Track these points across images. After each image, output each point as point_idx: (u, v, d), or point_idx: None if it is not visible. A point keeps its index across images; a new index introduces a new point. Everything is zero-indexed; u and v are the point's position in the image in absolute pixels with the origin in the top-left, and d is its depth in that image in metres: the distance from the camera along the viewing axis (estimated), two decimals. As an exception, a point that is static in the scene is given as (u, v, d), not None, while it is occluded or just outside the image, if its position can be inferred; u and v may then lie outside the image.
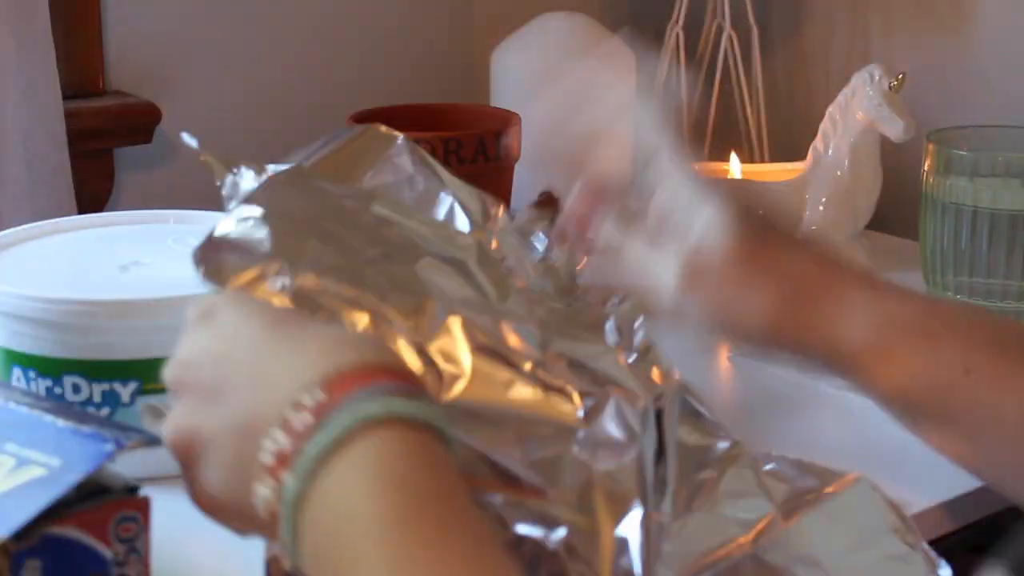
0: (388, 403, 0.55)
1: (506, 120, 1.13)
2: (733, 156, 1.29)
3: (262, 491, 0.57)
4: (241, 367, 0.60)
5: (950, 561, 0.69)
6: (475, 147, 1.08)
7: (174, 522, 0.80)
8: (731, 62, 1.37)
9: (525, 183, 1.13)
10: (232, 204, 0.71)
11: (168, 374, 0.64)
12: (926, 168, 1.07)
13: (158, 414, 0.84)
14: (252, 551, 0.78)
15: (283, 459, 0.56)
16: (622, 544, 0.61)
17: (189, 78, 1.27)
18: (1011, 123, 1.16)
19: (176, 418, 0.63)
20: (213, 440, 0.61)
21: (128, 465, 0.84)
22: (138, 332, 0.83)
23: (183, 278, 0.88)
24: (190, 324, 0.64)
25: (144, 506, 0.68)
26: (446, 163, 1.08)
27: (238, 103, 1.30)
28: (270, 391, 0.58)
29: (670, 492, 0.63)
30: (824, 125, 1.23)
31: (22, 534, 0.63)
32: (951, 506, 0.87)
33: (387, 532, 0.53)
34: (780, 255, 0.75)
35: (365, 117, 1.12)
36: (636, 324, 0.68)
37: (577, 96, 0.78)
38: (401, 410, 0.55)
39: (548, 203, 0.77)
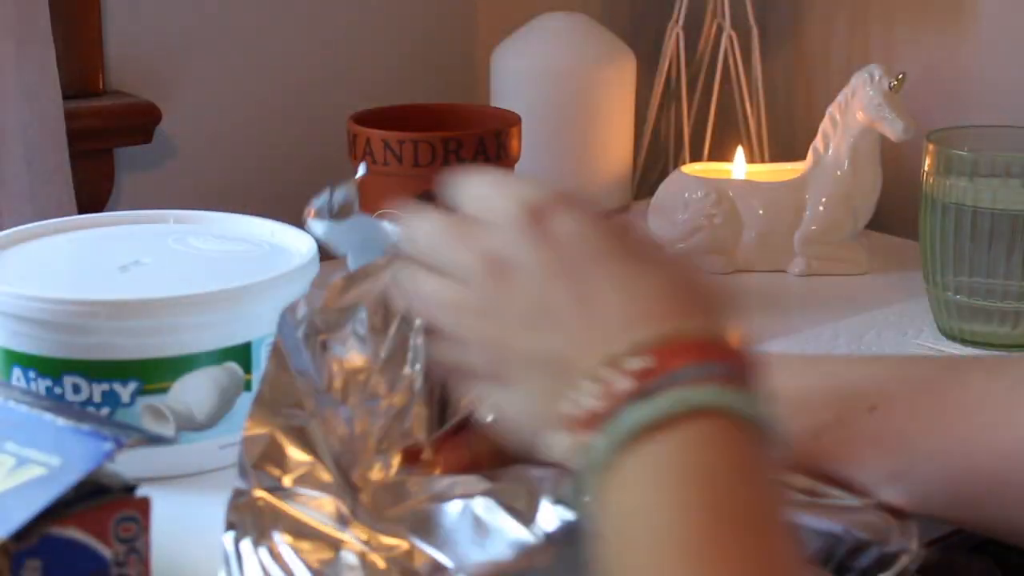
0: (720, 393, 0.52)
1: (506, 120, 1.13)
2: (739, 151, 1.29)
3: (560, 441, 0.53)
4: (569, 293, 0.55)
5: (950, 561, 0.69)
6: (475, 147, 1.08)
7: (174, 522, 0.80)
8: (731, 62, 1.37)
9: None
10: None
11: (488, 266, 0.58)
12: (926, 168, 1.06)
13: (158, 414, 0.84)
14: (252, 551, 0.78)
15: (593, 419, 0.52)
16: None
17: (189, 78, 1.27)
18: (1011, 123, 1.16)
19: (486, 328, 0.58)
20: (519, 363, 0.57)
21: (128, 465, 0.84)
22: (138, 332, 0.83)
23: (183, 278, 0.88)
24: (518, 222, 0.58)
25: (144, 506, 0.68)
26: (446, 163, 1.08)
27: (238, 103, 1.30)
28: (594, 332, 0.54)
29: None
30: (824, 125, 1.23)
31: (22, 534, 0.63)
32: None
33: (688, 534, 0.49)
34: None
35: (366, 117, 1.12)
36: None
37: None
38: (732, 404, 0.52)
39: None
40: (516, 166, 1.12)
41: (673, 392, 0.51)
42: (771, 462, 0.52)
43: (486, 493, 0.62)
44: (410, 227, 0.62)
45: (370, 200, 1.10)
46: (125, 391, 0.83)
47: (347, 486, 0.67)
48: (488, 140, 1.08)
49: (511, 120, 1.12)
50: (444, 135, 1.07)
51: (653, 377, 0.51)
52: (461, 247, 0.59)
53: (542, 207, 0.58)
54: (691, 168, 1.25)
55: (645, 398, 0.51)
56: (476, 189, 0.61)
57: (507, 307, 0.57)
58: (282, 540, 0.66)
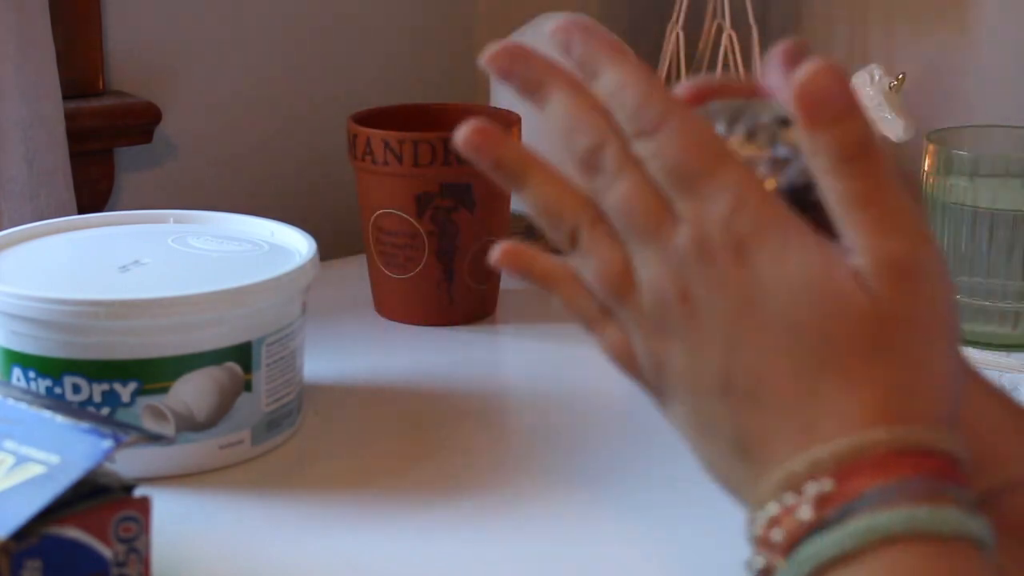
0: (910, 516, 0.45)
1: (506, 120, 1.12)
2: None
3: (755, 558, 0.48)
4: (776, 380, 0.47)
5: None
6: None
7: (174, 522, 0.80)
8: (731, 62, 1.37)
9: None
10: None
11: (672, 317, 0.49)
12: (926, 168, 1.06)
13: (158, 414, 0.84)
14: (252, 551, 0.78)
15: (776, 546, 0.46)
16: None
17: (189, 78, 1.27)
18: (1011, 123, 1.16)
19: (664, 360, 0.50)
20: (712, 448, 0.50)
21: (128, 465, 0.84)
22: (138, 332, 0.83)
23: (183, 278, 0.88)
24: (890, 262, 0.48)
25: (144, 506, 0.68)
26: (446, 163, 1.08)
27: (238, 103, 1.30)
28: (785, 435, 0.47)
29: None
30: (824, 125, 1.22)
31: (22, 534, 0.63)
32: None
33: None
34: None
35: (366, 117, 1.12)
36: None
37: None
38: (926, 525, 0.45)
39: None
40: None
41: (855, 521, 0.45)
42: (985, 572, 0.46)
43: None
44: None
45: (369, 200, 1.11)
46: (125, 391, 0.83)
47: None
48: None
49: (511, 120, 1.12)
50: (444, 135, 1.07)
51: (832, 505, 0.45)
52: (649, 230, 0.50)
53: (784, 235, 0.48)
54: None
55: (825, 530, 0.45)
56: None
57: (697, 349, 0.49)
58: None
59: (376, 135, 1.08)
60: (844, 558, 0.45)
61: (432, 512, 0.83)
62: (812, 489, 0.45)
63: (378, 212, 1.10)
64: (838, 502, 0.45)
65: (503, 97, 1.29)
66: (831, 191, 0.49)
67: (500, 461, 0.89)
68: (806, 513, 0.45)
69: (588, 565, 0.78)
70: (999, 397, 0.56)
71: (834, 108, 0.48)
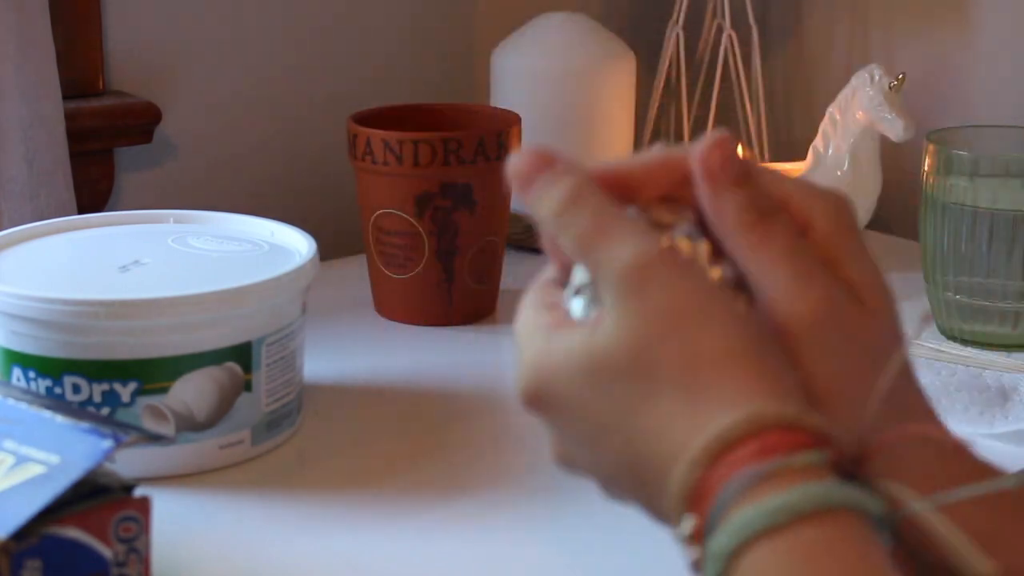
0: (764, 509, 0.46)
1: (506, 120, 1.12)
2: (738, 151, 1.29)
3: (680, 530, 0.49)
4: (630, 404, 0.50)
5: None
6: (475, 147, 1.08)
7: (174, 522, 0.80)
8: (731, 62, 1.37)
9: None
10: None
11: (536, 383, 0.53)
12: (926, 168, 1.06)
13: (158, 414, 0.84)
14: (252, 551, 0.78)
15: (696, 536, 0.48)
16: None
17: (189, 78, 1.27)
18: (1011, 123, 1.16)
19: (556, 446, 0.55)
20: (603, 475, 0.53)
21: (128, 465, 0.84)
22: (138, 332, 0.83)
23: (183, 278, 0.88)
24: (617, 277, 0.51)
25: (144, 506, 0.68)
26: (446, 163, 1.07)
27: (238, 103, 1.30)
28: (658, 443, 0.49)
29: None
30: (824, 125, 1.23)
31: (22, 534, 0.63)
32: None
33: None
34: None
35: (366, 117, 1.12)
36: None
37: None
38: (779, 516, 0.46)
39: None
40: None
41: (723, 530, 0.46)
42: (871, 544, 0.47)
43: None
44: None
45: (369, 200, 1.10)
46: (125, 391, 0.83)
47: None
48: (488, 140, 1.08)
49: (511, 120, 1.12)
50: (444, 135, 1.07)
51: (707, 503, 0.47)
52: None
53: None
54: (691, 168, 1.25)
55: (710, 534, 0.47)
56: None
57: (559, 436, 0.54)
58: None
59: (376, 135, 1.08)
60: (733, 556, 0.46)
61: (432, 512, 0.83)
62: (687, 525, 0.48)
63: (378, 212, 1.10)
64: (709, 502, 0.47)
65: (503, 97, 1.29)
66: None
67: (500, 461, 0.89)
68: (694, 522, 0.48)
69: (588, 565, 0.78)
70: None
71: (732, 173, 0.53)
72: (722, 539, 0.46)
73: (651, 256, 0.50)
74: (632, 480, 0.51)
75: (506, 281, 1.13)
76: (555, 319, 0.53)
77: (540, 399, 0.53)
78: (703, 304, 0.50)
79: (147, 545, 0.68)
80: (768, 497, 0.46)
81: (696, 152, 0.54)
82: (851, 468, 0.50)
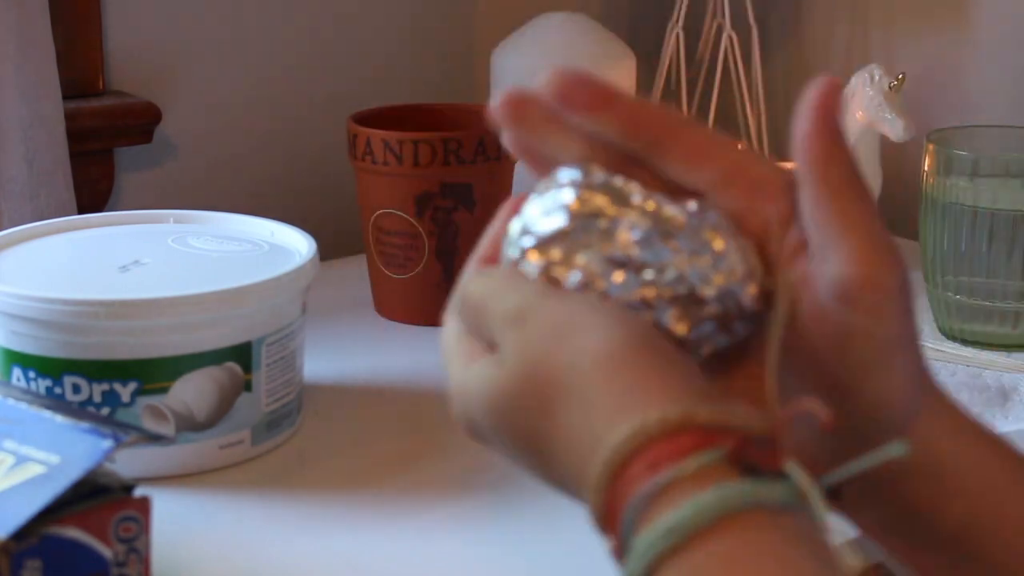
0: (661, 529, 0.43)
1: None
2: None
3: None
4: (547, 412, 0.48)
5: None
6: (475, 147, 1.08)
7: (174, 522, 0.80)
8: (731, 62, 1.37)
9: (526, 183, 1.13)
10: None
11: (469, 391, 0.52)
12: (926, 168, 1.06)
13: (158, 414, 0.84)
14: (252, 551, 0.78)
15: (616, 554, 0.46)
16: None
17: (189, 78, 1.27)
18: (1011, 123, 1.16)
19: (492, 447, 0.54)
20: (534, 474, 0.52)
21: (128, 465, 0.84)
22: (138, 332, 0.83)
23: (183, 278, 0.88)
24: (499, 321, 0.51)
25: (144, 506, 0.68)
26: (446, 163, 1.07)
27: (238, 103, 1.30)
28: (568, 466, 0.48)
29: None
30: (824, 125, 1.23)
31: (22, 534, 0.63)
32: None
33: None
34: None
35: (366, 117, 1.12)
36: None
37: None
38: (675, 536, 0.43)
39: None
40: (516, 166, 1.12)
41: (639, 542, 0.44)
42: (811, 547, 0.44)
43: None
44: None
45: (369, 200, 1.10)
46: (125, 391, 0.83)
47: None
48: (489, 140, 1.08)
49: None
50: (444, 135, 1.07)
51: (616, 518, 0.45)
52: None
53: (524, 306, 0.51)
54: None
55: (626, 548, 0.45)
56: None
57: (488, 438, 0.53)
58: None
59: (376, 135, 1.08)
60: (655, 564, 0.44)
61: (432, 512, 0.83)
62: (597, 500, 0.46)
63: (378, 212, 1.10)
64: (617, 517, 0.45)
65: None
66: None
67: (500, 461, 0.89)
68: (610, 538, 0.46)
69: (588, 565, 0.78)
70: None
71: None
72: (632, 565, 0.44)
73: (525, 296, 0.50)
74: (569, 493, 0.50)
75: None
76: (469, 349, 0.53)
77: (469, 429, 0.53)
78: (571, 315, 0.49)
79: (147, 545, 0.68)
80: (665, 515, 0.43)
81: (813, 101, 0.55)
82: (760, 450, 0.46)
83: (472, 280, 0.54)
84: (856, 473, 0.50)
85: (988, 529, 0.53)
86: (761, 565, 0.42)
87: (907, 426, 0.52)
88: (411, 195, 1.08)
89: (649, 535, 0.43)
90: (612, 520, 0.45)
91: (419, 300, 1.10)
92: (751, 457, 0.45)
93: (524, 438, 0.50)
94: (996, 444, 0.55)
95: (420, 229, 1.09)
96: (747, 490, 0.43)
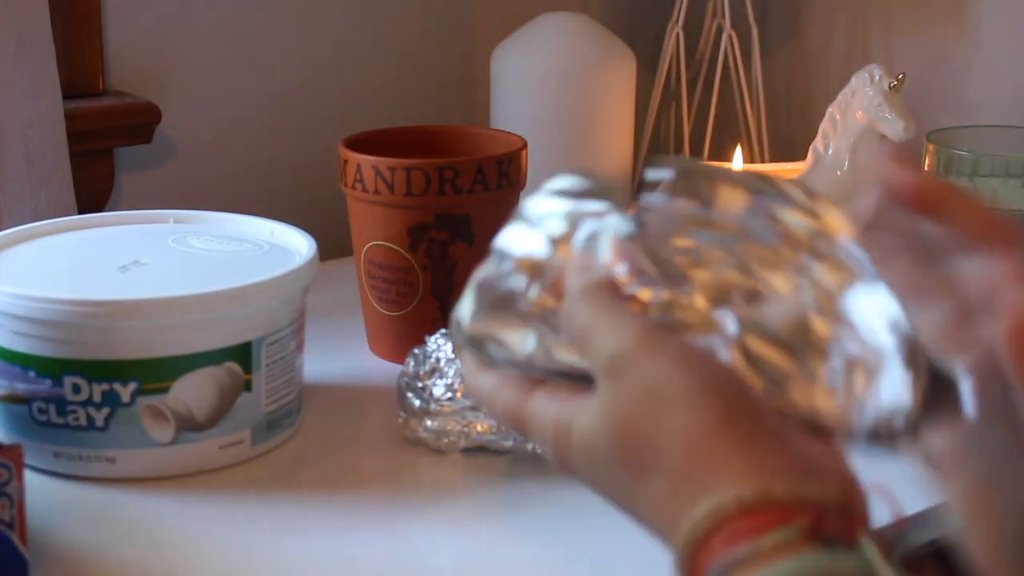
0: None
1: (511, 144, 1.05)
2: (739, 151, 1.29)
3: None
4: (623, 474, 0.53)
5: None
6: (473, 174, 0.99)
7: (174, 522, 0.80)
8: (731, 62, 1.37)
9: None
10: None
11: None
12: (926, 168, 1.06)
13: (158, 414, 0.84)
14: (252, 551, 0.78)
15: None
16: None
17: (189, 78, 1.27)
18: (1011, 123, 1.16)
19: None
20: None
21: (129, 465, 0.84)
22: (138, 332, 0.83)
23: (183, 278, 0.88)
24: (600, 361, 0.54)
25: (16, 454, 0.70)
26: (441, 192, 0.99)
27: (238, 103, 1.30)
28: (653, 526, 0.52)
29: None
30: (824, 125, 1.23)
31: None
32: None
33: None
34: None
35: (358, 141, 1.04)
36: None
37: None
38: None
39: None
40: (522, 192, 1.04)
41: None
42: None
43: None
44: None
45: (360, 231, 1.04)
46: (125, 391, 0.83)
47: None
48: (487, 167, 1.00)
49: (514, 144, 1.05)
50: (439, 162, 0.99)
51: None
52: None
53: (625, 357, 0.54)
54: (691, 168, 1.25)
55: None
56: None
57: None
58: None
59: (367, 161, 1.00)
60: None
61: (431, 512, 0.83)
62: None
63: (370, 244, 1.02)
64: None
65: (503, 98, 1.28)
66: None
67: (499, 461, 0.89)
68: None
69: (589, 565, 0.78)
70: None
71: None
72: None
73: (625, 344, 0.53)
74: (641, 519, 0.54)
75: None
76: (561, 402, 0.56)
77: (561, 464, 0.56)
78: (670, 383, 0.52)
79: (20, 492, 0.70)
80: None
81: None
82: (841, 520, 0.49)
83: (579, 302, 0.56)
84: (926, 543, 0.53)
85: None
86: None
87: None
88: (404, 226, 1.00)
89: None
90: None
91: (414, 340, 0.95)
92: (828, 527, 0.47)
93: (618, 493, 0.54)
94: None
95: (414, 263, 1.01)
96: (823, 561, 0.46)
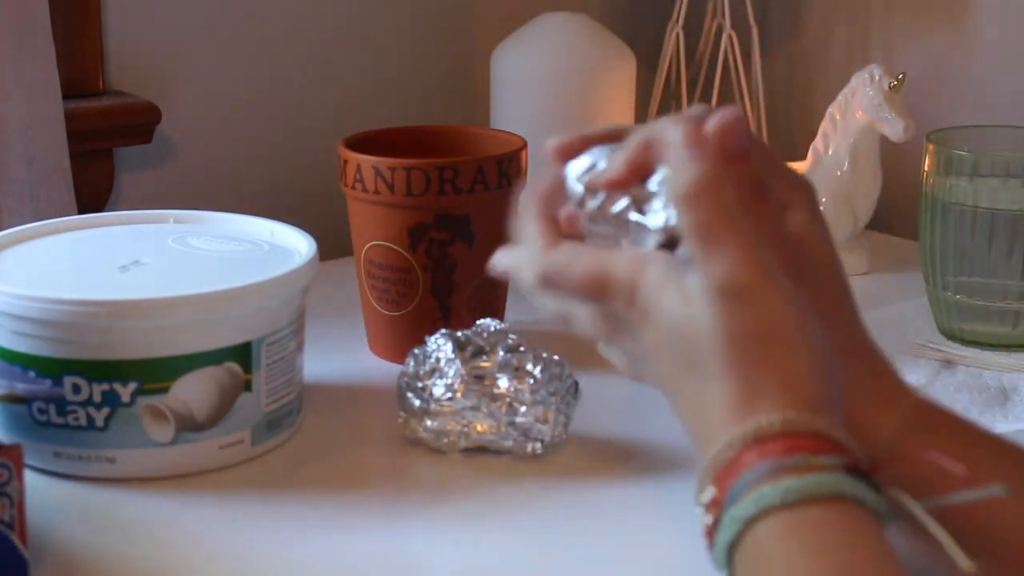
0: (781, 488, 0.55)
1: (511, 144, 1.05)
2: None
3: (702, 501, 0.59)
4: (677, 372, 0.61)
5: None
6: (473, 174, 1.00)
7: (174, 522, 0.80)
8: (731, 62, 1.37)
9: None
10: None
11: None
12: (926, 168, 1.06)
13: (158, 414, 0.84)
14: (252, 551, 0.78)
15: (713, 504, 0.58)
16: None
17: (189, 78, 1.27)
18: (1011, 123, 1.16)
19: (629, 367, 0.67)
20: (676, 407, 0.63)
21: (129, 465, 0.84)
22: (138, 332, 0.83)
23: (183, 278, 0.88)
24: (721, 286, 0.59)
25: (16, 454, 0.70)
26: (441, 192, 0.99)
27: (238, 103, 1.30)
28: (704, 416, 0.59)
29: None
30: (824, 125, 1.23)
31: None
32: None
33: None
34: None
35: (357, 141, 1.05)
36: None
37: None
38: (792, 495, 0.55)
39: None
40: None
41: (740, 506, 0.56)
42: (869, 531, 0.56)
43: None
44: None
45: (360, 231, 1.04)
46: (125, 391, 0.83)
47: None
48: (487, 167, 1.00)
49: (514, 144, 1.05)
50: (439, 161, 0.99)
51: (727, 484, 0.57)
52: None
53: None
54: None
55: (728, 505, 0.56)
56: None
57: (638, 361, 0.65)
58: None
59: (366, 161, 1.00)
60: (747, 525, 0.55)
61: (431, 512, 0.83)
62: (707, 494, 0.57)
63: (369, 244, 1.03)
64: (728, 485, 0.57)
65: (503, 98, 1.28)
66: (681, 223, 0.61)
67: (499, 461, 0.89)
68: (713, 493, 0.57)
69: (589, 564, 0.78)
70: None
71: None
72: (742, 508, 0.55)
73: (752, 274, 0.59)
74: (684, 407, 0.61)
75: (508, 318, 1.05)
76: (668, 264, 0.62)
77: (618, 328, 0.64)
78: (791, 329, 0.59)
79: (20, 492, 0.70)
80: (787, 480, 0.55)
81: (714, 125, 0.63)
82: (866, 473, 0.58)
83: (698, 195, 0.61)
84: (948, 506, 0.62)
85: None
86: (847, 534, 0.55)
87: None
88: (404, 226, 1.00)
89: (770, 489, 0.55)
90: (729, 473, 0.56)
91: (414, 340, 0.94)
92: (861, 470, 0.57)
93: (674, 380, 0.61)
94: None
95: (414, 263, 1.01)
96: (860, 488, 0.56)
